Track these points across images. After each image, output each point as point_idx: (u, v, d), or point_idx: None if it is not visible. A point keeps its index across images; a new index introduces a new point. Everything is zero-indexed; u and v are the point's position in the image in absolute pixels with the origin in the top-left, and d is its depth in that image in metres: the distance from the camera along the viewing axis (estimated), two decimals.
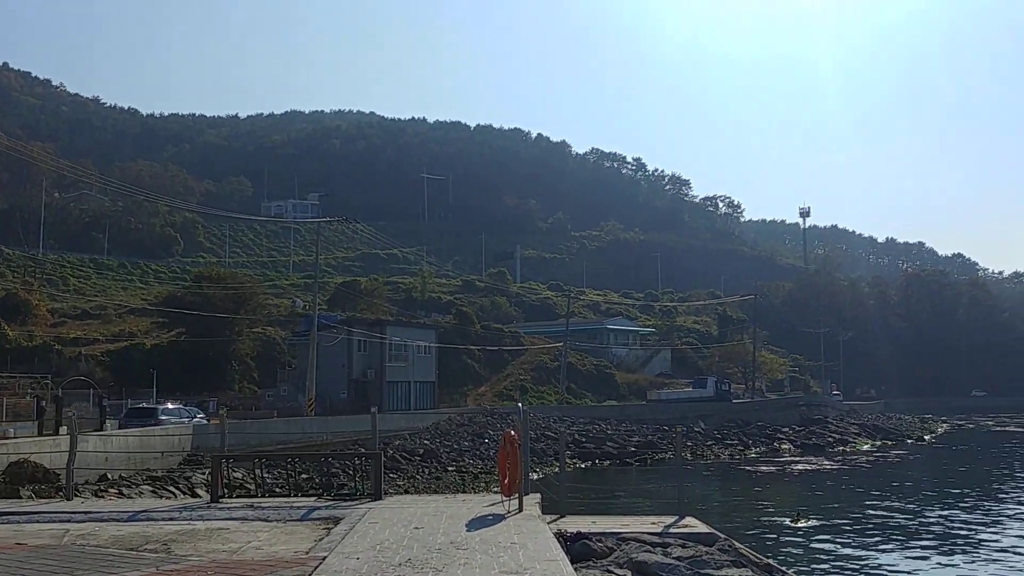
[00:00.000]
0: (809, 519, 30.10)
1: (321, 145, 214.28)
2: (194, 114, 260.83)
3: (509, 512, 12.86)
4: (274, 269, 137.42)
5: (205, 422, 41.89)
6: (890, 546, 26.11)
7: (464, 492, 37.87)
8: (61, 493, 21.54)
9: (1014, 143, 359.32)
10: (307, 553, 10.16)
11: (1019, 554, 24.41)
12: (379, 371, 69.44)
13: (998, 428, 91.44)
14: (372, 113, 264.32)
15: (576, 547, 10.78)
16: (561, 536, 10.88)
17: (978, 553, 24.90)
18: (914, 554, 24.86)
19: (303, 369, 58.76)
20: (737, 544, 11.23)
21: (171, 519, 13.59)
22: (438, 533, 11.34)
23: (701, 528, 11.88)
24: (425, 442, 50.92)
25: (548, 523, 11.91)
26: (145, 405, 43.01)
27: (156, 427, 32.08)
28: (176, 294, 74.52)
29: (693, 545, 10.82)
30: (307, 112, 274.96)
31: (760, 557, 11.32)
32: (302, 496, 15.71)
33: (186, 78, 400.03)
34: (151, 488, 25.31)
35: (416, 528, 11.70)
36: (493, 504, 14.10)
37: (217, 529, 12.62)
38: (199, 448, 32.98)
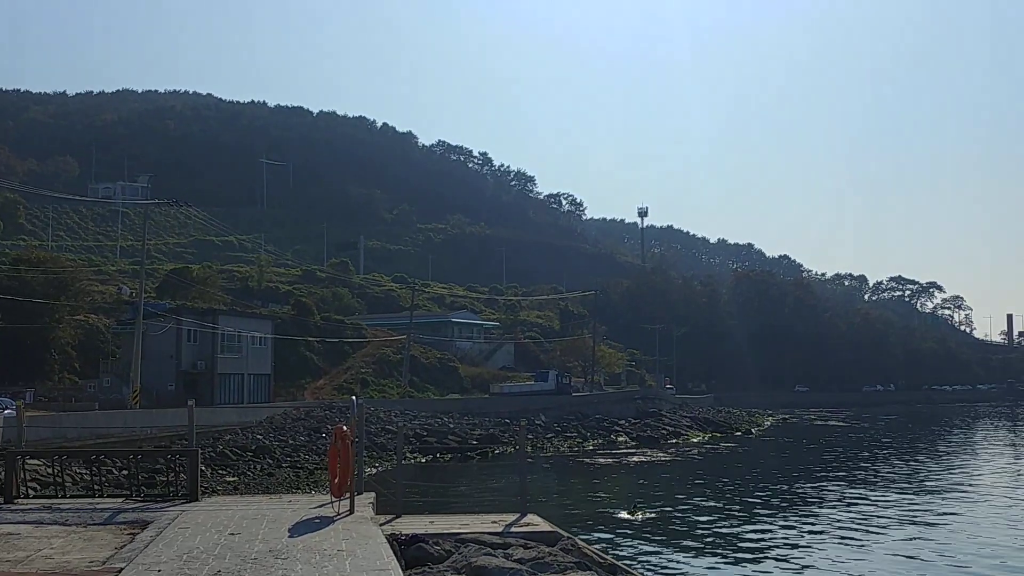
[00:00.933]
0: (646, 512, 30.35)
1: (154, 126, 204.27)
2: (18, 89, 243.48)
3: (339, 514, 11.77)
4: (100, 254, 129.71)
5: (14, 414, 38.54)
6: (722, 537, 26.58)
7: (297, 490, 36.43)
8: None
9: (835, 147, 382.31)
10: (103, 564, 8.88)
11: (844, 539, 25.24)
12: (210, 362, 66.41)
13: (820, 422, 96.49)
14: (209, 95, 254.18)
15: (411, 551, 9.92)
16: (395, 539, 9.97)
17: (803, 540, 25.66)
18: (745, 543, 25.38)
19: (128, 359, 55.44)
20: (580, 543, 10.72)
21: None
22: (256, 540, 10.12)
23: (543, 526, 11.25)
24: (258, 437, 48.95)
25: (382, 525, 10.95)
26: None
27: None
28: None
29: (535, 545, 10.15)
30: (140, 91, 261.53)
31: (604, 556, 10.88)
32: (109, 497, 14.03)
33: (9, 51, 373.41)
34: None
35: (232, 534, 10.45)
36: (322, 506, 12.91)
37: (5, 535, 11.14)
38: (9, 442, 30.15)
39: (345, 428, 12.27)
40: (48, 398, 58.14)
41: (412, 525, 11.36)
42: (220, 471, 38.62)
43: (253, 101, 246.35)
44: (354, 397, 13.90)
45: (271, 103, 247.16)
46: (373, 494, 13.28)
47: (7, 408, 38.56)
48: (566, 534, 11.09)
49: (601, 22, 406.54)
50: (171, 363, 64.31)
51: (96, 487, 14.28)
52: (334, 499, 12.17)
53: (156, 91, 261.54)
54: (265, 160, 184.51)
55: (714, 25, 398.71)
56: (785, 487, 39.16)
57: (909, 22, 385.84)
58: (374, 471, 44.32)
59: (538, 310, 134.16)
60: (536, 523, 11.51)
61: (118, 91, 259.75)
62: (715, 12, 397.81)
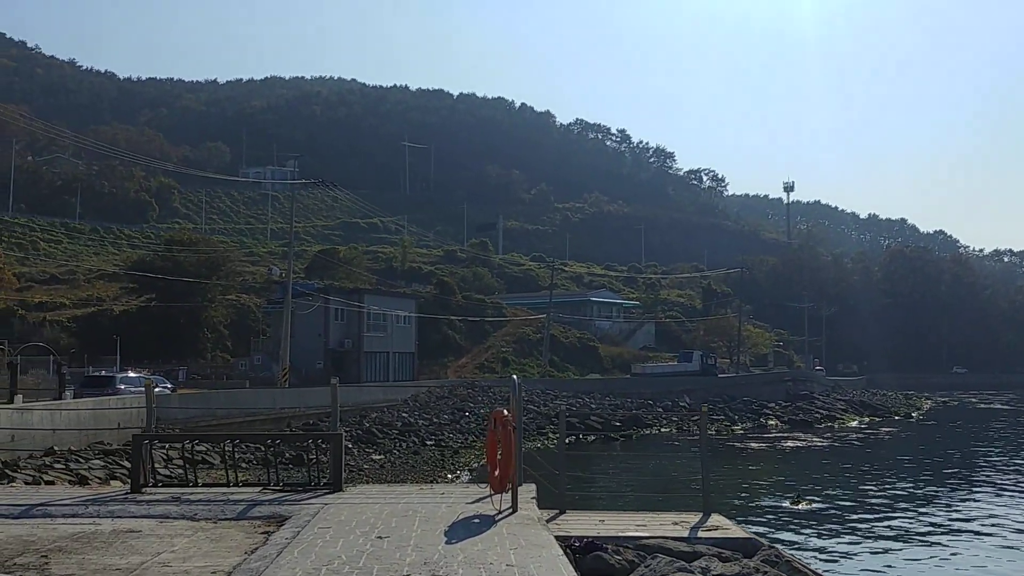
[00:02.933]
0: (810, 502, 28.37)
1: (301, 111, 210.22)
2: (172, 78, 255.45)
3: (500, 513, 10.27)
4: (251, 236, 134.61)
5: (169, 392, 39.68)
6: (901, 530, 24.43)
7: (443, 470, 36.10)
8: None
9: (998, 119, 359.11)
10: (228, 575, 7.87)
11: None
12: (357, 341, 67.37)
13: (983, 405, 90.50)
14: (353, 80, 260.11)
15: (588, 561, 8.59)
16: (567, 546, 8.60)
17: (994, 535, 23.27)
18: (926, 537, 23.23)
19: (278, 338, 56.57)
20: (783, 551, 9.28)
21: (73, 516, 10.87)
22: (408, 547, 8.68)
23: (735, 531, 9.68)
24: (404, 415, 49.05)
25: (548, 523, 9.63)
26: (103, 373, 40.62)
27: (112, 397, 29.84)
28: (146, 259, 71.86)
29: (732, 556, 8.61)
30: (287, 78, 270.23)
31: (812, 570, 9.40)
32: (245, 486, 12.85)
33: (165, 42, 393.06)
34: (101, 464, 23.17)
35: (380, 538, 9.09)
36: (479, 500, 11.37)
37: (125, 532, 9.96)
38: (159, 420, 30.80)
39: (506, 412, 10.62)
40: (201, 376, 60.09)
41: (580, 525, 9.99)
42: (367, 449, 38.67)
43: (395, 85, 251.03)
44: (514, 376, 12.41)
45: (412, 87, 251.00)
46: (533, 486, 11.62)
47: (160, 385, 39.66)
48: (765, 542, 9.63)
49: None
50: (319, 342, 65.49)
51: (231, 474, 12.98)
52: (493, 493, 10.81)
53: (303, 77, 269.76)
54: (407, 143, 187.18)
55: None
56: (963, 475, 36.24)
57: None
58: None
59: (679, 289, 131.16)
60: (725, 526, 9.93)
61: (266, 78, 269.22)
62: None
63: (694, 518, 10.52)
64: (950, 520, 26.28)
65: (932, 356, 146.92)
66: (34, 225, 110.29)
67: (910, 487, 33.58)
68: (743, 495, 30.70)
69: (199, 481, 12.93)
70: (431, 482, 30.68)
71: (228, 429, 37.23)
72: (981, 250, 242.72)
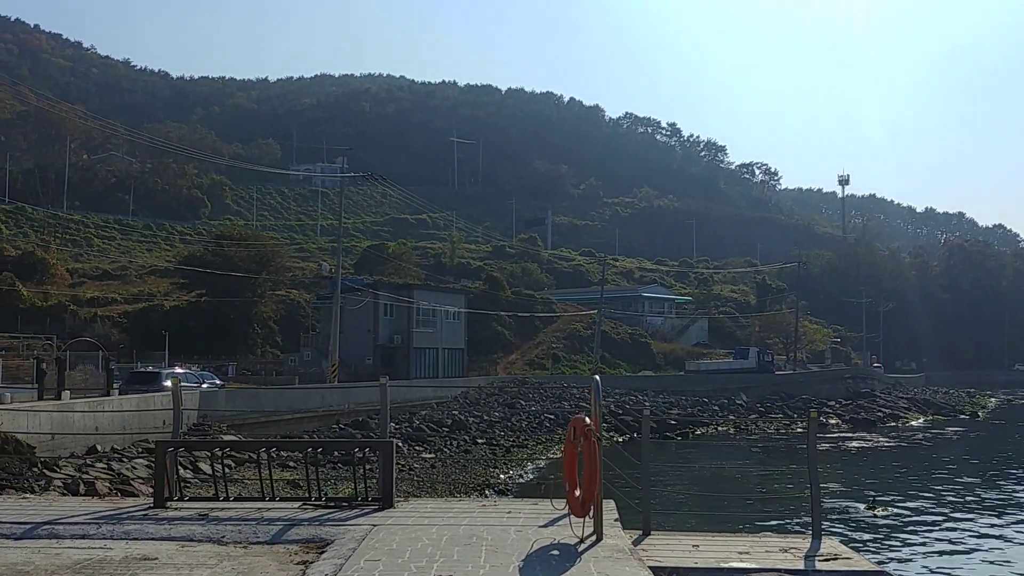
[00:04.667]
0: (887, 508, 26.70)
1: (351, 109, 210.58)
2: (224, 77, 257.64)
3: (582, 542, 8.60)
4: (301, 232, 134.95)
5: (217, 388, 39.04)
6: (988, 536, 22.80)
7: (495, 468, 34.91)
8: (35, 469, 18.61)
9: None
10: None
11: None
12: (406, 337, 66.59)
13: None
14: (402, 77, 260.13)
15: None
16: None
17: None
18: (1017, 544, 21.57)
19: (327, 334, 55.93)
20: None
21: (83, 536, 9.44)
22: None
23: (859, 562, 8.05)
24: (454, 412, 48.14)
25: (636, 550, 8.18)
26: (149, 369, 40.11)
27: (157, 393, 29.19)
28: (197, 254, 71.79)
29: None
30: (336, 76, 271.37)
31: None
32: (282, 501, 11.16)
33: (217, 41, 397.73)
34: (145, 463, 22.35)
35: None
36: (553, 523, 9.54)
37: (138, 560, 8.44)
38: (206, 418, 30.08)
39: (588, 420, 8.84)
40: (251, 371, 59.68)
41: (672, 552, 8.41)
42: (417, 447, 37.74)
43: (444, 81, 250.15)
44: (596, 378, 10.18)
45: (461, 82, 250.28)
46: (613, 504, 9.89)
47: (207, 381, 38.99)
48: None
49: None
50: (368, 337, 64.82)
51: (267, 486, 11.03)
52: (574, 518, 8.88)
53: (352, 75, 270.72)
54: (455, 139, 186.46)
55: None
56: None
57: None
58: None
59: (732, 284, 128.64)
60: (845, 555, 8.28)
61: (316, 76, 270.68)
62: None
63: (803, 543, 9.03)
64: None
65: (992, 353, 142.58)
66: (88, 222, 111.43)
67: (990, 491, 31.73)
68: (780, 488, 29.10)
69: (230, 495, 11.01)
70: (485, 486, 29.60)
71: (276, 427, 36.55)
72: None
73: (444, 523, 9.58)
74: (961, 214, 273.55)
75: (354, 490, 10.22)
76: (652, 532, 9.51)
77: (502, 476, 32.28)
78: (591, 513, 8.30)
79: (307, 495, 10.87)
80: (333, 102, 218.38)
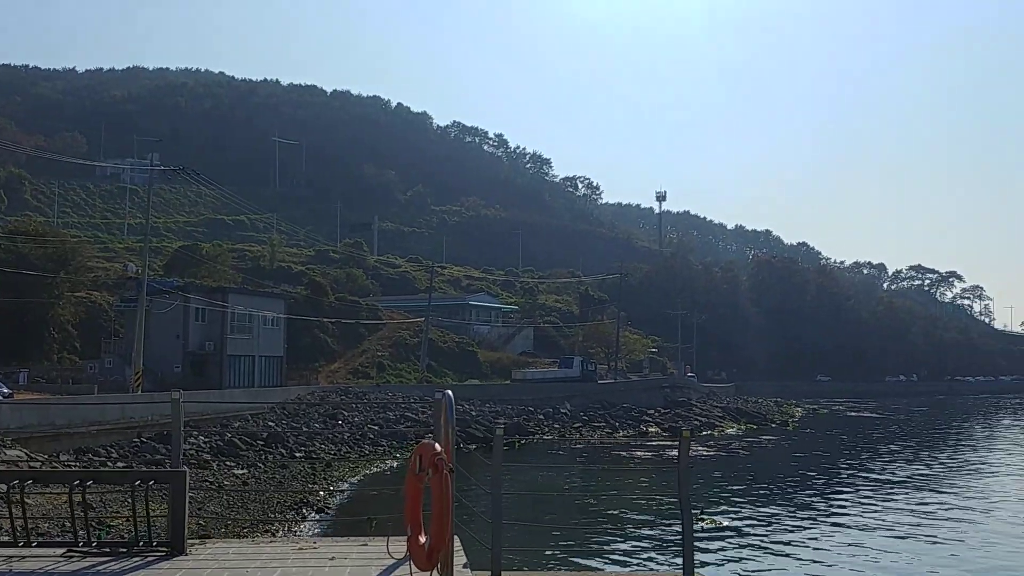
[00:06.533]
0: (711, 518, 26.53)
1: (165, 103, 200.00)
2: (27, 65, 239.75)
3: None
4: (107, 231, 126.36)
5: (3, 396, 34.93)
6: (812, 542, 22.90)
7: (315, 484, 32.72)
8: None
9: (852, 133, 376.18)
10: None
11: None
12: (220, 343, 62.75)
13: (853, 413, 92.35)
14: (222, 73, 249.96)
15: None
16: None
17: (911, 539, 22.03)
18: (838, 550, 21.79)
19: (131, 339, 51.70)
20: None
21: None
22: None
23: None
24: (270, 424, 45.39)
25: None
26: None
27: None
28: None
29: None
30: (151, 69, 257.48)
31: None
32: (41, 546, 8.22)
33: (19, 27, 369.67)
34: None
35: None
36: (389, 573, 7.45)
37: None
38: None
39: (439, 447, 6.84)
40: (45, 379, 54.54)
41: None
42: (228, 463, 35.05)
43: (266, 79, 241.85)
44: (448, 392, 8.10)
45: (284, 81, 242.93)
46: (458, 541, 7.77)
47: None
48: None
49: (619, 4, 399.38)
50: (178, 343, 60.72)
51: (22, 527, 8.11)
52: (415, 569, 6.85)
53: (167, 68, 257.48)
54: (278, 139, 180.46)
55: (732, 9, 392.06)
56: (854, 483, 35.49)
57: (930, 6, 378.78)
58: (395, 463, 40.67)
59: (556, 294, 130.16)
60: None
61: (128, 68, 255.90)
62: None
63: None
64: (859, 528, 25.18)
65: (797, 364, 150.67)
66: None
67: (809, 498, 32.42)
68: (638, 511, 28.63)
69: None
70: (303, 504, 27.47)
71: (69, 441, 33.01)
72: (842, 262, 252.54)
73: None
74: (768, 232, 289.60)
75: (135, 532, 7.60)
76: (503, 574, 8.04)
77: (321, 492, 30.23)
78: (439, 565, 6.49)
79: (74, 540, 8.20)
80: (146, 95, 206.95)
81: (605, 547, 22.21)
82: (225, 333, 62.60)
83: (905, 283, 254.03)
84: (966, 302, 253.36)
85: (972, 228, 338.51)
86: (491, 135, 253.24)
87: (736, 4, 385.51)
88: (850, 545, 23.15)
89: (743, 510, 29.00)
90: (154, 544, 7.71)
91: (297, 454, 39.36)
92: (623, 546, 22.50)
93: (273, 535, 22.51)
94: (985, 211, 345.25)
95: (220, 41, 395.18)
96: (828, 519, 27.45)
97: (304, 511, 27.04)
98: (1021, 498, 32.84)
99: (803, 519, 27.47)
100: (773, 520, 27.15)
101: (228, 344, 62.89)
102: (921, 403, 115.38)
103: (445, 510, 6.07)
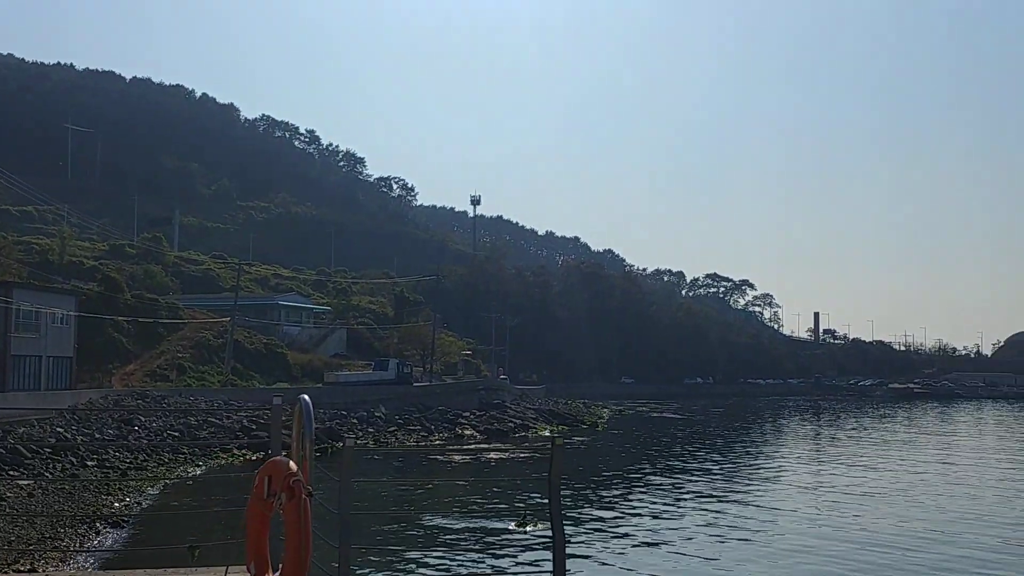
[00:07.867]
0: (536, 522, 26.20)
1: None
2: None
3: None
4: None
5: None
6: (638, 541, 22.97)
7: (108, 496, 30.13)
8: None
9: (657, 144, 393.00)
10: None
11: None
12: (3, 342, 57.26)
13: (656, 415, 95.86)
14: (10, 55, 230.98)
15: None
16: None
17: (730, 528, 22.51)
18: (669, 547, 21.97)
19: None
20: None
21: None
22: None
23: None
24: (59, 430, 41.83)
25: None
26: None
27: None
28: None
29: None
30: None
31: None
32: None
33: None
34: None
35: None
36: None
37: None
38: None
39: (293, 467, 5.60)
40: None
41: None
42: (11, 472, 31.79)
43: (60, 63, 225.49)
44: (304, 397, 6.26)
45: (80, 66, 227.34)
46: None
47: None
48: None
49: (440, 4, 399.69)
50: None
51: None
52: None
53: None
54: (71, 126, 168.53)
55: (560, 16, 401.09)
56: (669, 484, 36.39)
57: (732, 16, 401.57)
58: (198, 472, 38.34)
59: (370, 295, 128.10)
60: None
61: None
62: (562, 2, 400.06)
63: None
64: (680, 526, 25.60)
65: (603, 366, 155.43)
66: None
67: (623, 497, 32.88)
68: (458, 516, 28.00)
69: None
70: (96, 518, 25.08)
71: None
72: (644, 269, 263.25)
73: None
74: (577, 238, 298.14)
75: None
76: None
77: (117, 504, 27.82)
78: None
79: None
80: None
81: (469, 563, 21.45)
82: (8, 331, 57.23)
83: (702, 290, 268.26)
84: (757, 309, 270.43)
85: (763, 239, 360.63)
86: (303, 131, 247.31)
87: (565, 13, 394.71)
88: (656, 543, 23.38)
89: (568, 512, 28.92)
90: None
91: (89, 463, 36.34)
92: (490, 561, 21.78)
93: (64, 553, 20.31)
94: (775, 222, 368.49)
95: (6, 20, 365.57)
96: (652, 516, 27.79)
97: (99, 525, 24.68)
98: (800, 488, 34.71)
99: (633, 515, 27.71)
100: (593, 521, 27.21)
101: (12, 343, 57.55)
102: (717, 404, 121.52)
103: (303, 544, 4.94)
